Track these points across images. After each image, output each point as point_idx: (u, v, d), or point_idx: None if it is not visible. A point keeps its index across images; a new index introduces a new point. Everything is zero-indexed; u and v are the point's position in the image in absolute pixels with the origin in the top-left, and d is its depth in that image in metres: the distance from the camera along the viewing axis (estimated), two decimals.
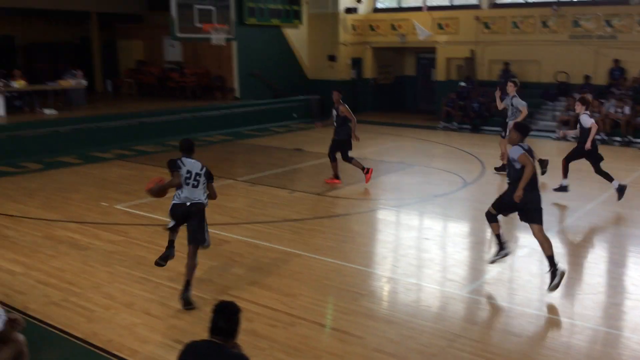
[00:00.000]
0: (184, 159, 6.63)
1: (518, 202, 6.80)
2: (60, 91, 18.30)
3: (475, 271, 7.64)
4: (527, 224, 7.02)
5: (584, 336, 5.91)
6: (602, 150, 11.07)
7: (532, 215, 6.95)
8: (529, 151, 6.89)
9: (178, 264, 7.54)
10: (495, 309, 6.51)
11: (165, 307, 6.39)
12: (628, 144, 17.20)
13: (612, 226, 9.70)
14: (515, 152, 6.83)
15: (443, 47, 22.15)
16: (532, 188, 6.85)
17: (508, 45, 20.69)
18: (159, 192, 6.73)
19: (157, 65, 23.52)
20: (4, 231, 8.94)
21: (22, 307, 6.25)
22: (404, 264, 7.84)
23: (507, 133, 11.67)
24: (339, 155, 11.84)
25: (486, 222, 7.32)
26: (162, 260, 6.82)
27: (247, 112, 20.12)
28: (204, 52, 21.85)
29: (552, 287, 6.73)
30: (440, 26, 22.07)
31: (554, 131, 18.40)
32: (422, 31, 22.22)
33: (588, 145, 10.50)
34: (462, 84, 21.08)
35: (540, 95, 19.90)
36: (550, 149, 17.12)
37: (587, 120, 10.50)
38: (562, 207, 10.44)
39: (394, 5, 24.06)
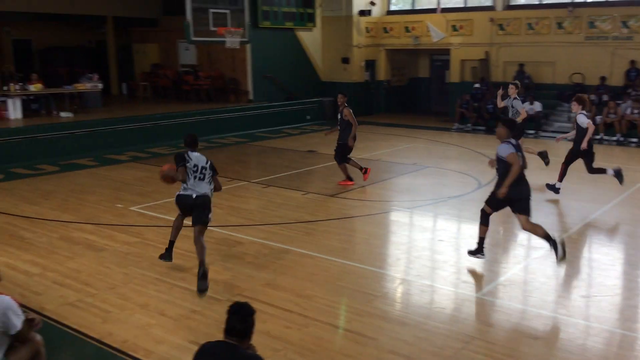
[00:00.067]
0: (190, 153, 7.03)
1: (506, 197, 7.13)
2: (77, 94, 18.48)
3: (490, 273, 7.60)
4: (551, 228, 7.06)
5: (600, 338, 5.85)
6: (618, 151, 10.99)
7: (520, 205, 7.29)
8: (517, 146, 7.15)
9: (193, 265, 7.59)
10: (510, 311, 6.47)
11: (180, 308, 6.42)
12: None
13: (628, 228, 9.60)
14: (504, 150, 7.09)
15: (457, 49, 22.09)
16: (520, 181, 7.17)
17: (523, 47, 20.59)
18: (167, 177, 7.17)
19: (172, 69, 23.68)
20: (20, 233, 9.03)
21: (38, 308, 6.30)
22: (418, 266, 7.81)
23: None
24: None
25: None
26: (166, 258, 7.41)
27: (260, 115, 20.18)
28: (218, 55, 21.96)
29: (560, 259, 7.22)
30: (454, 28, 22.02)
31: (568, 132, 18.26)
32: (436, 33, 22.18)
33: (584, 145, 10.52)
34: (477, 85, 21.01)
35: (556, 96, 19.78)
36: (565, 150, 17.00)
37: (583, 120, 10.52)
38: (577, 209, 10.35)
39: (407, 7, 24.03)
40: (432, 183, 12.33)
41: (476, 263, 7.86)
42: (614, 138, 17.56)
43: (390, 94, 24.62)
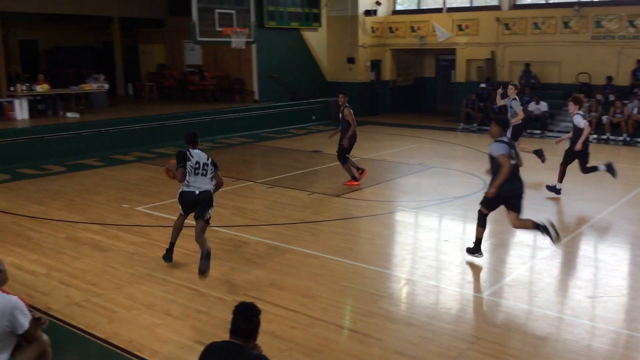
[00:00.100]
0: (192, 151, 7.28)
1: (500, 195, 7.29)
2: (83, 95, 18.55)
3: (496, 273, 7.59)
4: (558, 228, 7.08)
5: (606, 339, 5.84)
6: (624, 151, 10.96)
7: (513, 203, 7.42)
8: (510, 144, 7.28)
9: (197, 265, 7.60)
10: (516, 311, 6.46)
11: (185, 308, 6.44)
12: None
13: (634, 228, 9.55)
14: (495, 149, 7.23)
15: (463, 49, 22.05)
16: (514, 179, 7.31)
17: (529, 46, 20.54)
18: (170, 172, 7.55)
19: (177, 69, 23.73)
20: (27, 233, 9.07)
21: (44, 308, 6.33)
22: (424, 266, 7.81)
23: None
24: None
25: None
26: (167, 259, 7.58)
27: (266, 115, 20.20)
28: (224, 56, 21.99)
29: (555, 240, 7.42)
30: (460, 27, 21.99)
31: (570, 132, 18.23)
32: (441, 33, 22.16)
33: (579, 146, 10.55)
34: (482, 85, 20.97)
35: (562, 96, 19.70)
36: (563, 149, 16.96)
37: (579, 121, 10.55)
38: (583, 210, 10.32)
39: (413, 7, 24.00)
40: (438, 183, 12.32)
41: (482, 263, 7.86)
42: (621, 138, 17.50)
43: (395, 94, 24.60)
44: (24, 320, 4.32)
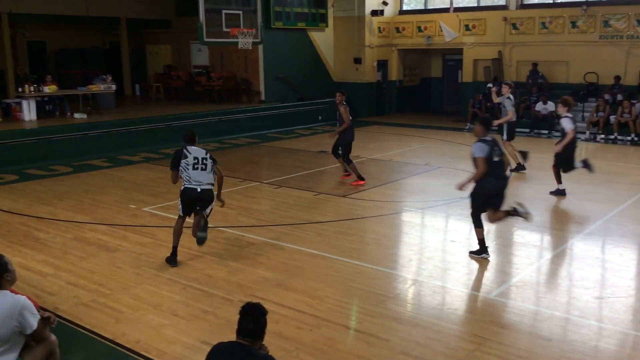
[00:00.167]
0: (189, 148, 7.47)
1: (486, 192, 7.52)
2: (90, 96, 18.61)
3: (503, 274, 7.56)
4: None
5: (613, 340, 5.81)
6: (632, 151, 10.93)
7: (496, 200, 7.64)
8: (493, 143, 7.48)
9: (205, 266, 7.63)
10: (523, 312, 6.43)
11: (192, 308, 6.45)
12: None
13: None
14: (475, 151, 7.45)
15: (470, 49, 22.01)
16: (500, 176, 7.56)
17: (536, 46, 20.48)
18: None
19: (184, 70, 23.78)
20: (34, 233, 9.11)
21: (52, 308, 6.34)
22: (430, 267, 7.79)
23: (504, 133, 12.92)
24: (351, 156, 12.09)
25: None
26: (172, 262, 7.62)
27: (272, 115, 20.22)
28: (230, 56, 22.01)
29: (527, 216, 7.68)
30: (467, 27, 21.94)
31: (583, 132, 18.17)
32: (448, 33, 22.12)
33: (558, 149, 10.70)
34: (489, 85, 20.89)
35: (569, 96, 19.61)
36: (579, 150, 16.88)
37: (566, 125, 10.64)
38: (590, 210, 10.27)
39: (420, 6, 23.97)
40: (444, 183, 12.28)
41: (488, 264, 7.84)
42: (629, 138, 17.42)
43: (402, 94, 24.57)
44: (33, 320, 4.34)
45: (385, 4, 23.01)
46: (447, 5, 22.66)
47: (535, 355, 5.47)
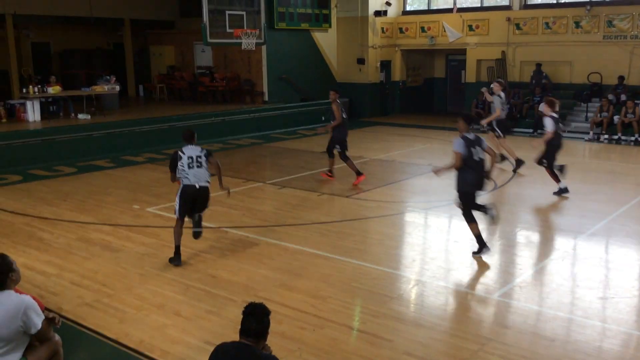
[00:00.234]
0: (184, 148, 7.68)
1: (474, 189, 7.79)
2: (94, 96, 18.64)
3: (506, 274, 7.55)
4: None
5: (617, 340, 5.80)
6: (636, 151, 10.90)
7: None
8: (476, 141, 7.66)
9: (208, 266, 7.64)
10: (527, 312, 6.42)
11: (195, 308, 6.46)
12: None
13: None
14: (454, 145, 7.70)
15: (473, 49, 21.99)
16: (479, 174, 7.80)
17: (540, 46, 20.44)
18: None
19: (188, 70, 23.81)
20: (38, 233, 9.13)
21: (56, 308, 6.35)
22: (433, 267, 7.79)
23: (497, 131, 13.20)
24: (353, 157, 12.30)
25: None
26: (176, 261, 7.70)
27: (276, 116, 20.23)
28: (234, 57, 22.03)
29: (496, 221, 8.12)
30: (470, 27, 21.91)
31: (587, 132, 18.14)
32: (452, 33, 22.10)
33: (534, 143, 11.17)
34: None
35: (573, 96, 19.61)
36: (583, 150, 16.89)
37: (548, 125, 10.84)
38: (595, 210, 10.25)
39: (423, 7, 23.95)
40: (448, 184, 12.17)
41: (492, 265, 7.83)
42: (632, 138, 17.37)
43: (405, 95, 24.56)
44: (38, 320, 4.35)
45: (388, 4, 23.00)
46: (450, 6, 22.65)
47: (539, 355, 5.46)
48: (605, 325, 6.10)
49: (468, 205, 7.90)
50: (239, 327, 3.79)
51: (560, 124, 11.34)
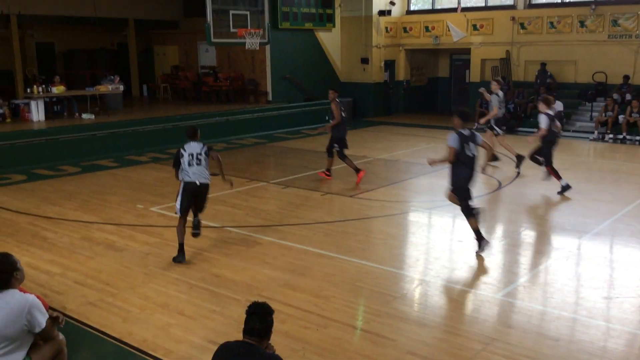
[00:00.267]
0: (186, 146, 7.81)
1: (466, 184, 7.92)
2: (98, 96, 18.67)
3: (510, 274, 7.53)
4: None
5: (621, 340, 5.78)
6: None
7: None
8: (470, 137, 7.77)
9: (212, 266, 7.65)
10: (531, 312, 6.40)
11: (199, 307, 6.46)
12: None
13: None
14: (449, 140, 7.84)
15: (477, 48, 21.95)
16: (472, 170, 7.93)
17: (544, 46, 20.40)
18: None
19: (192, 70, 23.83)
20: (42, 233, 9.15)
21: (60, 307, 6.37)
22: (437, 267, 7.78)
23: (496, 129, 13.45)
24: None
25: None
26: (179, 258, 7.76)
27: (279, 115, 20.22)
28: (237, 57, 22.05)
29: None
30: (475, 27, 21.87)
31: (591, 132, 18.09)
32: (456, 32, 22.07)
33: (530, 139, 11.38)
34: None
35: (578, 96, 19.56)
36: (588, 150, 16.85)
37: (542, 121, 10.91)
38: (599, 209, 10.22)
39: (427, 6, 23.92)
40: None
41: (496, 264, 7.82)
42: (637, 137, 17.31)
43: (409, 94, 24.53)
44: (42, 319, 4.36)
45: (392, 4, 22.98)
46: (454, 5, 22.61)
47: (543, 355, 5.44)
48: (610, 325, 6.08)
49: (465, 200, 7.99)
50: (243, 326, 3.79)
51: (557, 122, 11.37)
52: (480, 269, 7.70)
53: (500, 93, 13.45)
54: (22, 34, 21.54)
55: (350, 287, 7.00)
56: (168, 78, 24.06)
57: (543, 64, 20.11)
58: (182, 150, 7.79)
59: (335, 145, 12.06)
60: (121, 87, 19.17)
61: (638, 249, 8.53)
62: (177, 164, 7.80)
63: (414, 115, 23.50)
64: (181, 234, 7.80)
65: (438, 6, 23.55)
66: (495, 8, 21.78)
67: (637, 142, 17.21)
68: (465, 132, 7.80)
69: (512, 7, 21.26)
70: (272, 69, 21.21)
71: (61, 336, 4.73)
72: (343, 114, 12.09)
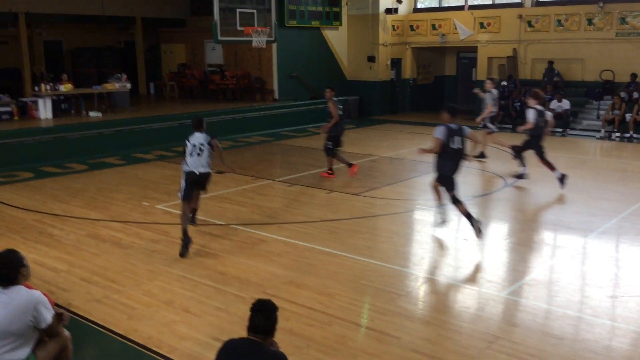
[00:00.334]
0: (191, 137, 8.19)
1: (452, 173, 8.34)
2: (105, 94, 18.74)
3: (515, 272, 7.52)
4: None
5: (626, 339, 5.76)
6: None
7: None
8: (458, 130, 8.12)
9: (216, 263, 7.67)
10: (535, 310, 6.40)
11: (204, 304, 6.49)
12: None
13: None
14: (435, 131, 8.21)
15: (484, 46, 21.89)
16: (456, 162, 8.32)
17: (552, 44, 20.32)
18: None
19: (198, 68, 23.88)
20: (49, 230, 9.20)
21: (65, 304, 6.41)
22: (442, 265, 7.78)
23: (491, 127, 13.74)
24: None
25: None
26: (184, 249, 7.86)
27: (286, 114, 20.25)
28: (244, 55, 22.07)
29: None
30: (482, 25, 21.81)
31: (598, 130, 18.02)
32: (463, 30, 22.01)
33: (520, 128, 11.46)
34: (504, 83, 20.78)
35: (585, 94, 19.48)
36: (594, 148, 16.79)
37: (530, 116, 11.09)
38: (605, 208, 10.18)
39: (434, 4, 23.87)
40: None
41: (501, 262, 7.81)
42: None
43: (416, 92, 24.50)
44: (48, 315, 4.39)
45: (399, 2, 22.92)
46: (461, 3, 22.54)
47: (547, 354, 5.44)
48: (615, 324, 6.06)
49: (451, 189, 8.34)
50: (247, 323, 3.80)
51: (549, 117, 11.43)
52: (485, 267, 7.70)
53: (494, 91, 13.72)
54: (30, 32, 21.65)
55: (355, 284, 7.01)
56: (175, 76, 24.10)
57: (550, 62, 20.04)
58: (187, 142, 8.19)
59: (329, 142, 12.10)
60: (128, 85, 19.23)
61: None
62: (184, 154, 8.22)
63: (421, 114, 23.45)
64: (184, 219, 8.07)
65: (445, 4, 23.49)
66: (503, 6, 21.70)
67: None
68: (454, 126, 8.14)
69: (519, 5, 21.19)
70: (278, 67, 21.23)
71: (66, 332, 4.75)
72: (340, 113, 12.12)
